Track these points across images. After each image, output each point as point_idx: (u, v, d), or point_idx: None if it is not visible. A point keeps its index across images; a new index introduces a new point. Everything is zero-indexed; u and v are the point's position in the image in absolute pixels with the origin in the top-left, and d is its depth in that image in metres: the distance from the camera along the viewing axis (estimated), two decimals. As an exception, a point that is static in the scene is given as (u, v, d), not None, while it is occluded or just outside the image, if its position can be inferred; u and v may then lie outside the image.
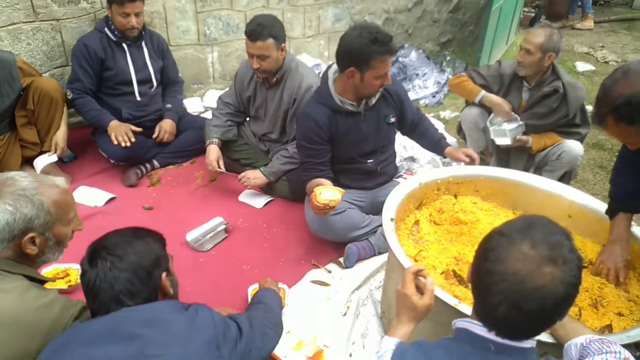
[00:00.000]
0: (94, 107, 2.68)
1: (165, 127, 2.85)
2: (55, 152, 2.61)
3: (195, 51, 3.48)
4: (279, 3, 3.72)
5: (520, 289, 0.89)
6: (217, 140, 2.68)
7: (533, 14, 6.14)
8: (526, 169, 2.62)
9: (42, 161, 2.60)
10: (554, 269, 0.89)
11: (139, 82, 2.79)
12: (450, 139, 3.10)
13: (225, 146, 2.74)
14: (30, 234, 1.22)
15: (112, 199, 2.60)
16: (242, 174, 2.59)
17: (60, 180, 1.33)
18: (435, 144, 2.36)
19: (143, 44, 2.78)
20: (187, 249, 2.30)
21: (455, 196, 2.06)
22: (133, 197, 2.65)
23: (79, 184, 2.68)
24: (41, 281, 1.31)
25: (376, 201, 2.31)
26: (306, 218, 2.26)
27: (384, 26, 4.49)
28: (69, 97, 2.65)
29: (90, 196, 2.59)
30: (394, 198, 1.84)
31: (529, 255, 0.90)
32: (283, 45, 2.43)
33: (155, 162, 2.89)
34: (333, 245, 2.29)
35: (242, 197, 2.67)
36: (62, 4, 2.79)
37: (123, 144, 2.62)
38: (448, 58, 4.64)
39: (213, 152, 2.63)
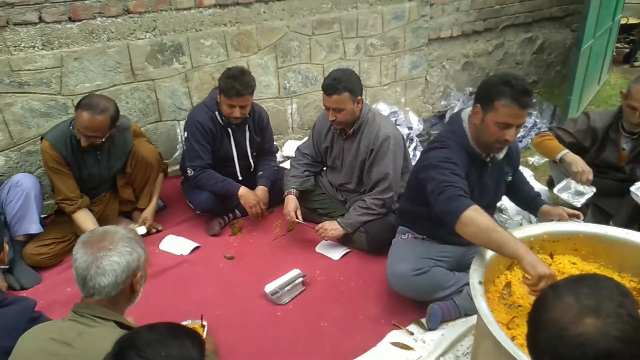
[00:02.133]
0: (219, 178, 2.73)
1: (260, 196, 2.79)
2: (143, 225, 2.77)
3: (276, 104, 3.61)
4: (355, 54, 3.79)
5: (560, 336, 0.88)
6: (295, 190, 2.71)
7: (627, 50, 5.74)
8: (629, 224, 2.35)
9: None
10: (596, 320, 0.87)
11: (240, 162, 2.86)
12: (539, 188, 2.89)
13: (303, 196, 2.77)
14: (139, 272, 1.33)
15: (197, 247, 2.70)
16: (320, 225, 2.58)
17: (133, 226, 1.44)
18: (529, 202, 2.22)
19: (247, 127, 2.81)
20: (265, 301, 2.29)
21: (552, 255, 1.88)
22: (216, 247, 2.72)
23: (167, 233, 2.81)
24: (129, 327, 1.34)
25: (464, 258, 2.17)
26: (387, 273, 2.17)
27: (463, 70, 4.42)
28: (190, 175, 2.73)
29: (176, 245, 2.70)
30: (483, 258, 1.71)
31: (571, 305, 0.90)
32: (359, 98, 2.45)
33: (237, 212, 2.97)
34: (414, 303, 2.17)
35: (319, 248, 2.65)
36: (157, 65, 3.04)
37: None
38: (534, 100, 4.42)
39: (291, 202, 2.66)
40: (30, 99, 2.72)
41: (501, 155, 2.02)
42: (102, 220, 2.75)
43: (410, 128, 3.88)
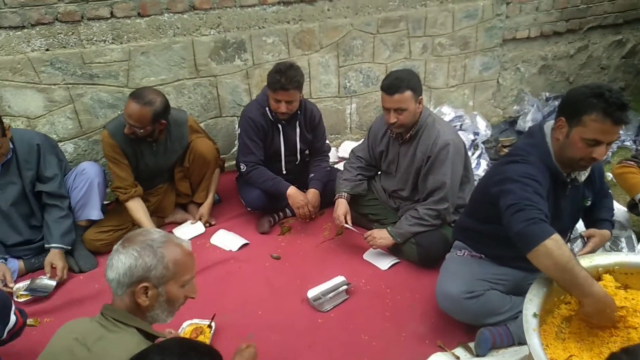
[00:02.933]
0: (269, 176, 2.72)
1: (310, 199, 2.75)
2: (200, 221, 2.83)
3: (335, 103, 3.54)
4: (421, 54, 3.63)
5: None
6: (346, 194, 2.63)
7: None
8: None
9: (186, 231, 2.79)
10: None
11: (287, 158, 2.84)
12: (617, 208, 2.60)
13: (354, 200, 2.69)
14: (145, 284, 1.25)
15: (245, 244, 2.71)
16: (368, 233, 2.48)
17: (187, 243, 1.38)
18: (592, 224, 2.00)
19: (297, 123, 2.77)
20: (307, 306, 2.25)
21: (626, 287, 1.66)
22: (264, 245, 2.72)
23: (220, 227, 2.85)
24: (154, 337, 1.33)
25: (524, 282, 1.96)
26: (436, 291, 2.03)
27: (540, 74, 4.10)
28: (242, 170, 2.75)
29: (226, 240, 2.73)
30: (541, 286, 1.55)
31: None
32: (420, 98, 2.33)
33: (288, 211, 2.95)
34: (463, 326, 2.02)
35: (366, 256, 2.56)
36: (220, 62, 3.08)
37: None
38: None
39: (341, 206, 2.58)
40: (99, 90, 2.85)
41: (583, 177, 1.82)
42: (158, 211, 2.84)
43: (476, 134, 3.66)
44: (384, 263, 2.49)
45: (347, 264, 2.50)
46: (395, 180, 2.59)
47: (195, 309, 2.12)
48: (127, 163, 2.59)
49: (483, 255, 2.05)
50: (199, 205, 2.91)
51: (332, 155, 3.44)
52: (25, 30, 2.59)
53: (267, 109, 2.68)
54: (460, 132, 3.48)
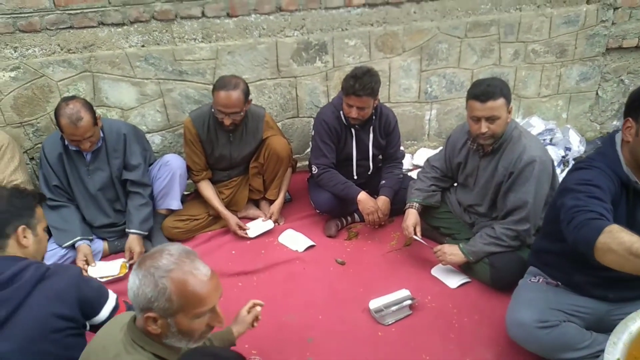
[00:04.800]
0: (340, 180, 2.71)
1: (380, 206, 2.70)
2: (270, 219, 2.88)
3: (414, 108, 3.44)
4: (512, 60, 3.42)
5: None
6: (417, 204, 2.54)
7: None
8: None
9: (257, 226, 2.86)
10: None
11: (358, 162, 2.81)
12: None
13: (425, 211, 2.59)
14: (151, 314, 1.15)
15: (312, 246, 2.71)
16: (439, 247, 2.38)
17: (204, 270, 1.20)
18: None
19: (371, 128, 2.73)
20: (367, 317, 2.20)
21: None
22: (330, 248, 2.71)
23: (288, 226, 2.89)
24: None
25: (608, 317, 1.80)
26: (507, 318, 1.90)
27: (648, 87, 3.70)
28: (314, 173, 2.77)
29: (294, 240, 2.76)
30: (627, 329, 1.37)
31: None
32: (510, 107, 2.19)
33: (356, 216, 2.91)
34: (534, 357, 1.87)
35: (434, 271, 2.45)
36: (301, 63, 3.11)
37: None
38: None
39: (411, 217, 2.50)
40: (187, 86, 2.99)
41: None
42: (232, 204, 2.94)
43: (568, 149, 3.39)
44: (453, 281, 2.37)
45: (413, 278, 2.42)
46: (472, 194, 2.46)
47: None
48: (202, 150, 2.76)
49: (560, 283, 1.89)
50: (271, 202, 2.96)
51: (406, 162, 3.35)
52: (125, 27, 2.78)
53: (341, 112, 2.67)
54: (549, 147, 3.24)
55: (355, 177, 2.83)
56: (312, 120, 3.27)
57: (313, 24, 3.04)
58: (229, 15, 2.89)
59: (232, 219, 2.80)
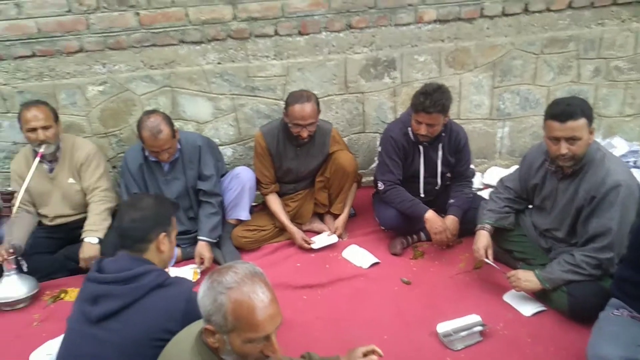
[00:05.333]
0: (407, 197, 2.68)
1: (448, 225, 2.63)
2: (335, 233, 2.89)
3: (485, 125, 3.35)
4: (592, 78, 3.25)
5: None
6: (489, 226, 2.45)
7: None
8: None
9: (322, 240, 2.87)
10: None
11: (426, 180, 2.77)
12: None
13: (498, 234, 2.48)
14: (209, 327, 1.16)
15: (376, 263, 2.68)
16: (512, 273, 2.27)
17: (262, 297, 1.17)
18: None
19: (440, 145, 2.69)
20: (434, 340, 2.13)
21: None
22: (395, 267, 2.66)
23: (352, 242, 2.88)
24: None
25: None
26: (587, 353, 1.77)
27: None
28: (380, 189, 2.74)
29: (358, 256, 2.74)
30: None
31: None
32: (592, 127, 2.07)
33: (423, 235, 2.85)
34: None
35: (507, 297, 2.34)
36: (369, 79, 3.12)
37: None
38: None
39: (482, 239, 2.41)
40: (259, 102, 3.09)
41: None
42: (297, 217, 2.98)
43: (654, 172, 3.14)
44: (528, 308, 2.25)
45: (483, 303, 2.32)
46: (550, 218, 2.33)
47: (324, 318, 2.20)
48: (271, 163, 2.83)
49: None
50: (335, 216, 2.98)
51: (476, 181, 3.25)
52: (203, 45, 2.92)
53: (409, 128, 2.64)
54: (634, 170, 3.02)
55: (422, 195, 2.78)
56: (378, 135, 3.28)
57: (382, 41, 3.04)
58: (300, 33, 2.96)
59: (297, 233, 2.83)
